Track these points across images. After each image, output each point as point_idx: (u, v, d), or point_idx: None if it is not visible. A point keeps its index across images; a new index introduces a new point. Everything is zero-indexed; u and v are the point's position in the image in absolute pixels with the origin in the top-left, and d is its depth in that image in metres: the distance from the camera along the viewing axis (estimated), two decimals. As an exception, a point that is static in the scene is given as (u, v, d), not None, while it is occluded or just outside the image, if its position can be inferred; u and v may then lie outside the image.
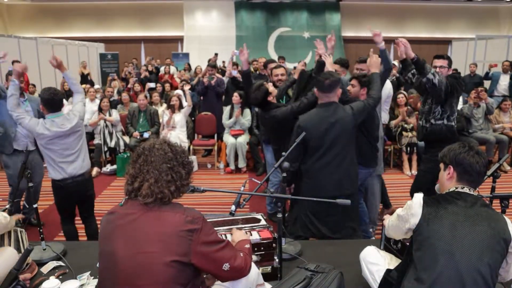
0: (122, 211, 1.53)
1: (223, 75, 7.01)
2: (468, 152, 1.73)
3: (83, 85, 8.56)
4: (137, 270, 1.42)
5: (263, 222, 2.50)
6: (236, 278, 1.62)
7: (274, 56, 13.86)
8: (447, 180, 1.79)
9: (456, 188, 1.74)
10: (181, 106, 6.07)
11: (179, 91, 7.20)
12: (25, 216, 3.42)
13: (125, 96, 7.12)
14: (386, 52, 3.35)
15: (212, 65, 6.84)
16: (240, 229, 2.37)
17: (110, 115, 6.07)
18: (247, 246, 1.76)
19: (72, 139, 3.05)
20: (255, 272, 1.81)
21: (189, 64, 11.56)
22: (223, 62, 10.22)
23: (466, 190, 1.73)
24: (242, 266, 1.59)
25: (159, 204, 1.49)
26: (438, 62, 3.36)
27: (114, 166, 5.94)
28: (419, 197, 1.74)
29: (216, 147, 6.36)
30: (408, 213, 1.74)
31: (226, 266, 1.52)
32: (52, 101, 3.00)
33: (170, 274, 1.41)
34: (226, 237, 2.19)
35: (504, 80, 8.34)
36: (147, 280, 1.41)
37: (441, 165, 1.83)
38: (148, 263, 1.41)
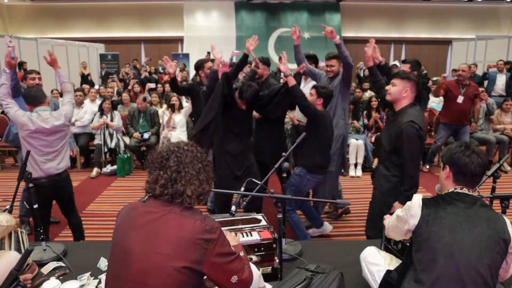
0: (143, 208, 1.52)
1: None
2: (463, 151, 1.72)
3: (83, 86, 8.58)
4: (148, 269, 1.42)
5: (263, 222, 2.50)
6: None
7: (275, 57, 13.87)
8: (445, 180, 1.79)
9: (455, 188, 1.74)
10: (181, 107, 6.07)
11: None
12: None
13: (125, 96, 7.14)
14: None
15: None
16: (240, 229, 2.38)
17: (112, 116, 6.07)
18: (242, 254, 1.74)
19: (54, 138, 3.04)
20: (256, 275, 1.81)
21: (184, 64, 11.59)
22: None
23: (465, 190, 1.73)
24: (249, 279, 1.59)
25: (184, 207, 1.49)
26: (405, 66, 3.71)
27: (114, 167, 5.94)
28: (418, 198, 1.73)
29: (216, 148, 6.35)
30: (407, 214, 1.74)
31: (234, 279, 1.52)
32: (36, 94, 3.06)
33: (179, 279, 1.41)
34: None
35: (500, 80, 8.36)
36: (155, 281, 1.41)
37: (441, 164, 1.83)
38: (160, 265, 1.41)
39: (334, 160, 3.85)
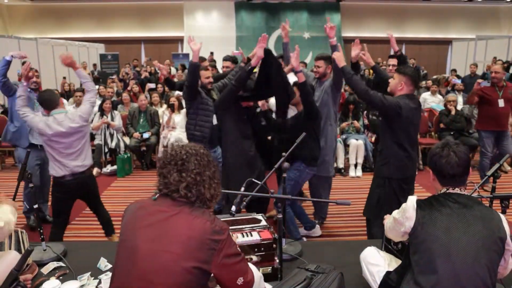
0: (153, 207, 1.53)
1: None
2: (440, 153, 1.71)
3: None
4: (155, 267, 1.42)
5: (263, 222, 2.50)
6: None
7: (274, 57, 13.84)
8: (433, 182, 1.79)
9: (447, 189, 1.73)
10: (181, 107, 6.07)
11: (179, 92, 7.20)
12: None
13: (125, 96, 7.14)
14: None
15: (212, 65, 6.83)
16: (240, 229, 2.38)
17: (112, 116, 6.07)
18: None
19: (74, 139, 3.09)
20: (257, 276, 1.81)
21: (184, 65, 11.59)
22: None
23: (457, 190, 1.72)
24: (253, 282, 1.60)
25: (194, 207, 1.51)
26: (392, 61, 3.76)
27: (115, 167, 5.94)
28: (412, 200, 1.73)
29: (216, 148, 6.35)
30: (403, 216, 1.73)
31: (240, 280, 1.53)
32: (50, 98, 3.12)
33: (187, 278, 1.42)
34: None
35: None
36: (163, 279, 1.41)
37: None
38: (168, 263, 1.42)
39: (331, 165, 3.92)
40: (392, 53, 3.95)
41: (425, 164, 6.29)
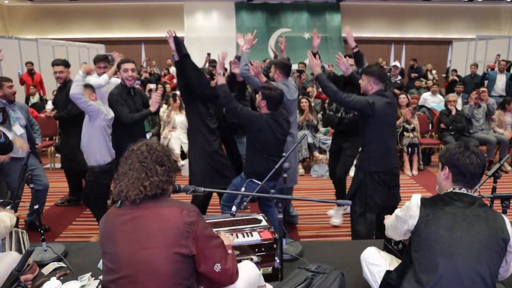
0: (118, 211, 1.55)
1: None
2: (463, 153, 1.72)
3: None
4: (139, 267, 1.44)
5: (264, 223, 2.50)
6: (225, 283, 1.61)
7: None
8: (444, 180, 1.79)
9: (454, 188, 1.74)
10: (182, 107, 6.07)
11: (179, 92, 7.20)
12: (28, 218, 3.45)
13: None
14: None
15: (213, 65, 6.84)
16: (240, 230, 2.39)
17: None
18: (230, 251, 1.74)
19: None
20: (256, 273, 1.81)
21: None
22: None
23: (463, 190, 1.73)
24: (233, 271, 1.60)
25: (152, 200, 1.52)
26: (350, 61, 3.73)
27: (115, 167, 5.94)
28: (417, 198, 1.74)
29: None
30: (406, 214, 1.74)
31: (217, 267, 1.54)
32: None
33: (173, 267, 1.44)
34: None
35: (500, 80, 8.35)
36: (150, 275, 1.43)
37: (439, 165, 1.83)
38: (150, 259, 1.43)
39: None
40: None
41: (426, 164, 6.29)
